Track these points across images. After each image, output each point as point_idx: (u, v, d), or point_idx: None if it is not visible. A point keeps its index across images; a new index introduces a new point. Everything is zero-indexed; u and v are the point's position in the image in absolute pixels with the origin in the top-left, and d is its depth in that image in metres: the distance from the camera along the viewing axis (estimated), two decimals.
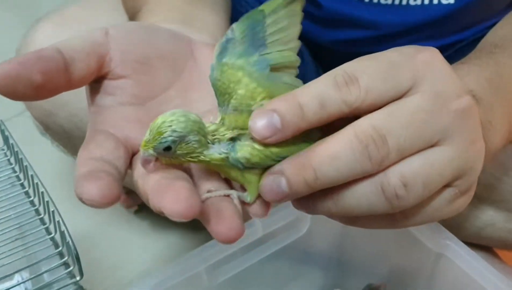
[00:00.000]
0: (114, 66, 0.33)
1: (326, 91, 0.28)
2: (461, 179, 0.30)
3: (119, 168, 0.30)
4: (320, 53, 0.65)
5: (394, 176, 0.28)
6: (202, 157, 0.30)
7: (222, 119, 0.30)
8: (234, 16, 0.62)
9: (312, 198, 0.30)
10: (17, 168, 0.46)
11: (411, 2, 0.57)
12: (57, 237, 0.40)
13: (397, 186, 0.28)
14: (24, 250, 0.40)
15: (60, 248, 0.40)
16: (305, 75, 0.64)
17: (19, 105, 0.61)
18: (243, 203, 0.31)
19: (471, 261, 0.41)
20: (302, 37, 0.66)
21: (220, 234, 0.28)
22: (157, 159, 0.29)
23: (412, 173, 0.28)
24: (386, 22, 0.58)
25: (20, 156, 0.44)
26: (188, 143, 0.29)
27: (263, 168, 0.30)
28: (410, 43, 0.64)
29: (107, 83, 0.33)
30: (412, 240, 0.44)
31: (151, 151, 0.29)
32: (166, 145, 0.28)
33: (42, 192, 0.41)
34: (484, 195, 0.56)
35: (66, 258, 0.39)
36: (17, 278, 0.39)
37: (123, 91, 0.33)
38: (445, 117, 0.29)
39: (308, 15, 0.61)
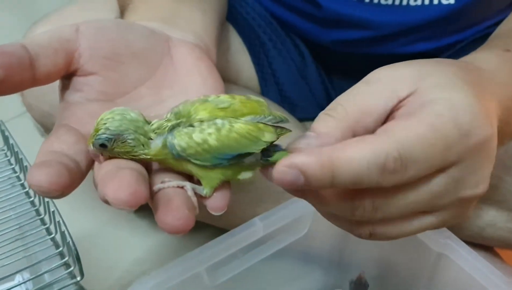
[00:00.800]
0: (83, 62, 0.33)
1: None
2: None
3: (78, 161, 0.30)
4: (320, 53, 0.64)
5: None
6: (143, 155, 0.30)
7: (168, 115, 0.31)
8: (234, 17, 0.62)
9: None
10: (17, 168, 0.45)
11: (411, 3, 0.57)
12: (58, 237, 0.40)
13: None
14: (24, 250, 0.40)
15: (60, 249, 0.39)
16: (306, 75, 0.65)
17: (20, 106, 0.61)
18: (200, 197, 0.31)
19: (472, 261, 0.41)
20: (302, 37, 0.66)
21: (166, 223, 0.28)
22: (102, 154, 0.30)
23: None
24: (386, 23, 0.58)
25: (20, 156, 0.44)
26: (124, 142, 0.30)
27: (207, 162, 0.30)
28: (410, 43, 0.64)
29: (76, 80, 0.34)
30: (413, 240, 0.44)
31: (91, 147, 0.30)
32: (100, 142, 0.29)
33: None
34: (486, 195, 0.56)
35: (66, 258, 0.39)
36: (18, 278, 0.39)
37: (91, 87, 0.34)
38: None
39: (308, 16, 0.61)
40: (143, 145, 0.30)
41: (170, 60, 0.37)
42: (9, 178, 0.45)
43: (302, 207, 0.45)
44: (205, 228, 0.61)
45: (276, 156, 0.31)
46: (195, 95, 0.33)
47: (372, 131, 0.28)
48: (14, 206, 0.43)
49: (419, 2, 0.57)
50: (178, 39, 0.38)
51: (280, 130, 0.32)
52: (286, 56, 0.64)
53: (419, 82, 0.29)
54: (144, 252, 0.66)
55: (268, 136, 0.31)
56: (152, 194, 0.30)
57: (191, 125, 0.30)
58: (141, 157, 0.30)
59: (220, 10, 0.51)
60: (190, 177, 0.32)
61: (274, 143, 0.32)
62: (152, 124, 0.31)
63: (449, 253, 0.42)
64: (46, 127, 0.58)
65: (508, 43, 0.39)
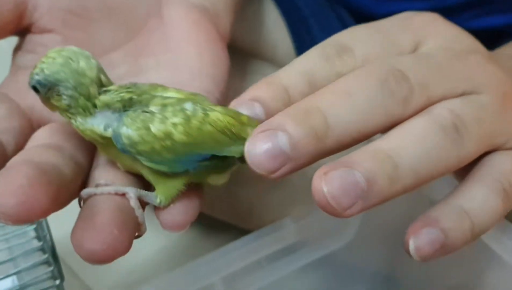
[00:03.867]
0: (39, 16, 0.26)
1: (314, 66, 0.24)
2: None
3: (1, 141, 0.23)
4: None
5: (441, 108, 0.23)
6: (76, 124, 0.22)
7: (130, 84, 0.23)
8: None
9: None
10: None
11: None
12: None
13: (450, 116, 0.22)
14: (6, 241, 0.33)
15: (41, 242, 0.32)
16: None
17: None
18: (154, 207, 0.23)
19: None
20: (353, 11, 0.58)
21: (81, 247, 0.20)
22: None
23: (459, 108, 0.23)
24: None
25: None
26: (59, 96, 0.21)
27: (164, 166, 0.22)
28: (475, 18, 0.55)
29: (29, 38, 0.27)
30: (486, 253, 0.34)
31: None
32: (32, 83, 0.22)
33: None
34: None
35: (47, 255, 0.31)
36: None
37: (46, 49, 0.25)
38: (469, 64, 0.24)
39: None
40: (84, 111, 0.22)
41: (158, 22, 0.29)
42: None
43: None
44: (227, 229, 0.53)
45: None
46: (185, 70, 0.26)
47: None
48: None
49: None
50: None
51: None
52: (330, 33, 0.55)
53: None
54: (155, 255, 0.59)
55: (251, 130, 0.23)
56: (80, 202, 0.22)
57: (148, 111, 0.22)
58: (75, 124, 0.22)
59: None
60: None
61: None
62: (106, 90, 0.22)
63: None
64: None
65: None
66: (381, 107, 0.22)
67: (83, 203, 0.22)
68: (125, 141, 0.21)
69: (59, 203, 0.21)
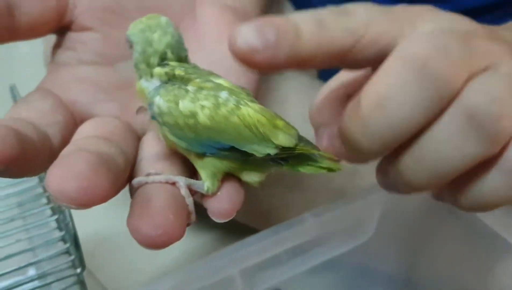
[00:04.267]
0: (78, 14, 0.27)
1: (323, 15, 0.21)
2: None
3: (48, 134, 0.23)
4: None
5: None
6: (138, 81, 0.23)
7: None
8: None
9: (390, 171, 0.22)
10: None
11: None
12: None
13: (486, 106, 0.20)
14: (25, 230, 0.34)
15: (63, 232, 0.32)
16: None
17: None
18: (202, 196, 0.23)
19: None
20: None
21: (138, 232, 0.20)
22: None
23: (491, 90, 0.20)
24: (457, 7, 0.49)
25: None
26: (135, 52, 0.23)
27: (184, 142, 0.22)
28: (496, 21, 0.55)
29: (69, 36, 0.27)
30: (489, 235, 0.34)
31: None
32: (126, 38, 0.24)
33: None
34: None
35: (68, 245, 0.31)
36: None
37: (85, 46, 0.27)
38: (474, 43, 0.21)
39: None
40: (143, 72, 0.23)
41: (192, 22, 0.30)
42: None
43: (367, 205, 0.36)
44: (246, 231, 0.53)
45: (303, 166, 0.24)
46: (219, 67, 0.25)
47: None
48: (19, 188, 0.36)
49: None
50: None
51: (307, 146, 0.24)
52: None
53: None
54: (171, 253, 0.59)
55: (282, 139, 0.23)
56: (132, 191, 0.22)
57: (183, 88, 0.22)
58: (137, 82, 0.23)
59: None
60: (193, 167, 0.24)
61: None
62: (166, 64, 0.23)
63: None
64: None
65: None
66: (427, 100, 0.20)
67: (135, 192, 0.22)
68: (156, 109, 0.22)
69: (115, 191, 0.21)
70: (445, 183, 0.22)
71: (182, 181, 0.22)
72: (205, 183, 0.22)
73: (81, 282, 0.30)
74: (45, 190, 0.35)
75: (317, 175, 0.41)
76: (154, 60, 0.23)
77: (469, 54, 0.21)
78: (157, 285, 0.31)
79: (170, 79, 0.23)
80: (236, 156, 0.23)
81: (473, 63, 0.21)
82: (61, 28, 0.27)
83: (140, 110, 0.25)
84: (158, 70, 0.23)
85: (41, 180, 0.36)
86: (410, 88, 0.20)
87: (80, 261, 0.30)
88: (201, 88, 0.22)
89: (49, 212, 0.34)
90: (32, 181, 0.36)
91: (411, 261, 0.42)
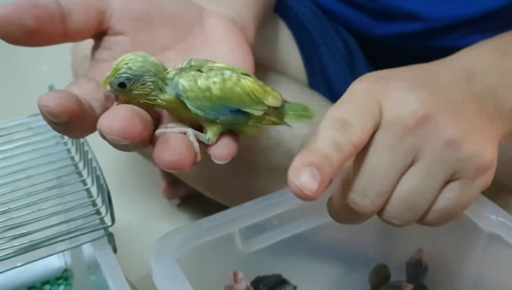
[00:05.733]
0: (114, 22, 0.34)
1: (336, 136, 0.30)
2: (461, 169, 0.33)
3: (93, 107, 0.30)
4: (370, 47, 0.63)
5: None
6: (159, 100, 0.30)
7: (184, 64, 0.31)
8: (284, 10, 0.62)
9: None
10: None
11: None
12: (93, 189, 0.40)
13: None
14: (61, 197, 0.41)
15: (93, 198, 0.39)
16: (355, 70, 0.64)
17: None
18: (205, 146, 0.30)
19: None
20: (353, 31, 0.65)
21: (162, 159, 0.28)
22: (117, 97, 0.30)
23: (409, 192, 0.32)
24: (442, 15, 0.57)
25: None
26: (144, 84, 0.29)
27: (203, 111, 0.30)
28: (463, 37, 0.62)
29: (106, 39, 0.34)
30: (462, 219, 0.41)
31: (108, 87, 0.29)
32: (120, 81, 0.29)
33: (83, 143, 0.41)
34: None
35: (99, 206, 0.39)
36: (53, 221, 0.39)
37: (119, 46, 0.34)
38: (409, 138, 0.32)
39: (361, 8, 0.60)
40: (161, 90, 0.29)
41: (200, 28, 0.37)
42: (54, 136, 0.46)
43: None
44: None
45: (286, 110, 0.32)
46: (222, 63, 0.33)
47: None
48: (54, 160, 0.44)
49: None
50: (212, 10, 0.39)
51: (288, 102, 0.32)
52: (335, 53, 0.63)
53: None
54: None
55: (271, 100, 0.31)
56: (155, 139, 0.30)
57: (200, 70, 0.30)
58: (157, 102, 0.30)
59: None
60: (200, 129, 0.31)
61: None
62: (169, 72, 0.30)
63: (502, 232, 0.39)
64: None
65: None
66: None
67: (157, 139, 0.29)
68: (180, 87, 0.29)
69: (146, 134, 0.28)
70: None
71: (191, 131, 0.30)
72: (207, 135, 0.30)
73: (110, 234, 0.38)
74: (76, 167, 0.43)
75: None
76: (165, 73, 0.30)
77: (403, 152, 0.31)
78: (171, 237, 0.38)
79: (182, 70, 0.30)
80: (240, 117, 0.31)
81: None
82: (100, 33, 0.34)
83: None
84: (171, 73, 0.30)
85: (73, 159, 0.44)
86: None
87: (111, 217, 0.37)
88: (211, 70, 0.30)
89: (81, 185, 0.41)
90: (67, 161, 0.43)
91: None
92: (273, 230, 0.42)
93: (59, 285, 0.57)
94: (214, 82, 0.29)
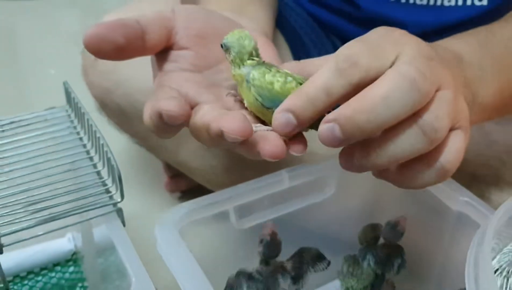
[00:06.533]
0: (179, 38, 0.40)
1: (331, 79, 0.32)
2: (460, 119, 0.35)
3: (184, 107, 0.35)
4: None
5: (428, 115, 0.32)
6: (233, 71, 0.37)
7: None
8: (278, 19, 0.68)
9: (361, 154, 0.34)
10: (75, 120, 0.52)
11: (446, 3, 0.61)
12: (103, 172, 0.45)
13: (433, 120, 0.32)
14: (75, 179, 0.45)
15: (104, 179, 0.44)
16: None
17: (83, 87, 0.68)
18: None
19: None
20: (339, 35, 0.71)
21: (267, 150, 0.33)
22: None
23: (439, 109, 0.33)
24: (421, 22, 0.62)
25: (82, 111, 0.50)
26: (230, 54, 0.37)
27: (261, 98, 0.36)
28: None
29: (172, 53, 0.40)
30: (431, 200, 0.46)
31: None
32: (221, 43, 0.37)
33: (91, 125, 0.47)
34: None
35: (109, 185, 0.44)
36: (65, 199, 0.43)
37: (184, 59, 0.40)
38: (435, 67, 0.34)
39: (348, 16, 0.66)
40: (238, 66, 0.37)
41: None
42: (68, 127, 0.51)
43: (329, 167, 0.48)
44: None
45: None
46: None
47: None
48: (68, 147, 0.49)
49: (452, 3, 0.60)
50: (249, 27, 0.45)
51: None
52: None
53: None
54: None
55: None
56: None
57: (270, 68, 0.36)
58: (232, 72, 0.37)
59: (274, 6, 0.60)
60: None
61: None
62: (253, 58, 0.37)
63: (469, 212, 0.44)
64: (104, 103, 0.65)
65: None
66: (410, 103, 0.31)
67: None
68: (251, 76, 0.36)
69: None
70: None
71: (271, 129, 0.35)
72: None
73: (120, 209, 0.43)
74: (88, 153, 0.48)
75: None
76: (246, 56, 0.37)
77: (434, 77, 0.33)
78: (174, 212, 0.43)
79: (256, 65, 0.37)
80: None
81: (435, 84, 0.33)
82: (166, 48, 0.40)
83: (228, 94, 0.38)
84: (249, 62, 0.37)
85: (85, 146, 0.49)
86: (402, 92, 0.31)
87: (121, 193, 0.42)
88: (278, 71, 0.36)
89: (93, 168, 0.46)
90: (80, 148, 0.48)
91: (372, 206, 0.53)
92: (264, 209, 0.47)
93: (68, 266, 0.62)
94: (278, 80, 0.36)
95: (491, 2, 0.59)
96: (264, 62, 0.38)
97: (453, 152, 0.34)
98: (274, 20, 0.57)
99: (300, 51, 0.68)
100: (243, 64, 0.37)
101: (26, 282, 0.60)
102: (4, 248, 0.40)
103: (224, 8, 0.46)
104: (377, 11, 0.63)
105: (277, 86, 0.35)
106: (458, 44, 0.44)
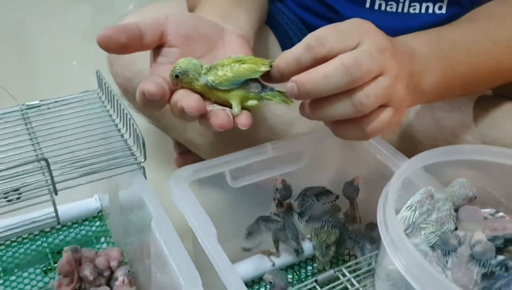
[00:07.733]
0: (169, 39, 0.52)
1: (301, 53, 0.44)
2: (392, 100, 0.46)
3: (166, 90, 0.48)
4: None
5: (359, 93, 0.44)
6: (196, 86, 0.49)
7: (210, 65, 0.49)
8: (271, 21, 0.80)
9: (309, 109, 0.47)
10: (105, 101, 0.65)
11: (411, 11, 0.72)
12: (129, 141, 0.58)
13: (362, 97, 0.44)
14: (106, 145, 0.59)
15: (130, 145, 0.58)
16: None
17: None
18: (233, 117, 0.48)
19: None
20: None
21: (216, 123, 0.46)
22: (176, 84, 0.49)
23: (370, 90, 0.44)
24: (391, 27, 0.73)
25: (112, 94, 0.63)
26: (188, 76, 0.48)
27: (230, 89, 0.48)
28: None
29: (164, 49, 0.52)
30: (382, 167, 0.58)
31: (171, 77, 0.48)
32: (175, 73, 0.48)
33: (120, 104, 0.60)
34: None
35: (135, 149, 0.57)
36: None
37: (172, 55, 0.52)
38: (383, 58, 0.45)
39: (329, 20, 0.78)
40: (197, 80, 0.48)
41: (222, 43, 0.55)
42: (100, 106, 0.64)
43: (304, 141, 0.61)
44: None
45: (270, 94, 0.49)
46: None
47: None
48: (101, 121, 0.62)
49: (417, 11, 0.72)
50: (229, 30, 0.57)
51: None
52: None
53: None
54: None
55: (263, 67, 0.49)
56: (208, 114, 0.48)
57: (216, 67, 0.48)
58: (195, 87, 0.48)
59: (261, 12, 0.71)
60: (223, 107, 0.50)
61: (270, 86, 0.50)
62: (203, 68, 0.49)
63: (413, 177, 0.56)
64: (126, 90, 0.78)
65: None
66: (342, 84, 0.43)
67: (209, 113, 0.47)
68: (210, 81, 0.48)
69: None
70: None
71: (227, 109, 0.47)
72: (236, 108, 0.48)
73: (143, 167, 0.56)
74: (117, 126, 0.61)
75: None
76: (200, 70, 0.48)
77: (374, 66, 0.44)
78: (184, 170, 0.56)
79: (208, 70, 0.48)
80: (246, 86, 0.48)
81: (371, 72, 0.44)
82: (159, 45, 0.52)
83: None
84: (203, 72, 0.48)
85: (114, 121, 0.62)
86: (338, 75, 0.42)
87: (144, 155, 0.55)
88: (223, 65, 0.48)
89: (121, 137, 0.59)
90: (110, 122, 0.62)
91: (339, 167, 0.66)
92: (252, 173, 0.60)
93: (95, 221, 0.75)
94: (227, 70, 0.48)
95: (449, 11, 0.71)
96: (210, 66, 0.48)
97: (376, 122, 0.46)
98: (259, 22, 0.69)
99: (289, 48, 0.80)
100: (200, 76, 0.48)
101: (60, 233, 0.73)
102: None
103: (214, 14, 0.58)
104: (354, 17, 0.75)
105: (229, 73, 0.47)
106: (414, 40, 0.54)
